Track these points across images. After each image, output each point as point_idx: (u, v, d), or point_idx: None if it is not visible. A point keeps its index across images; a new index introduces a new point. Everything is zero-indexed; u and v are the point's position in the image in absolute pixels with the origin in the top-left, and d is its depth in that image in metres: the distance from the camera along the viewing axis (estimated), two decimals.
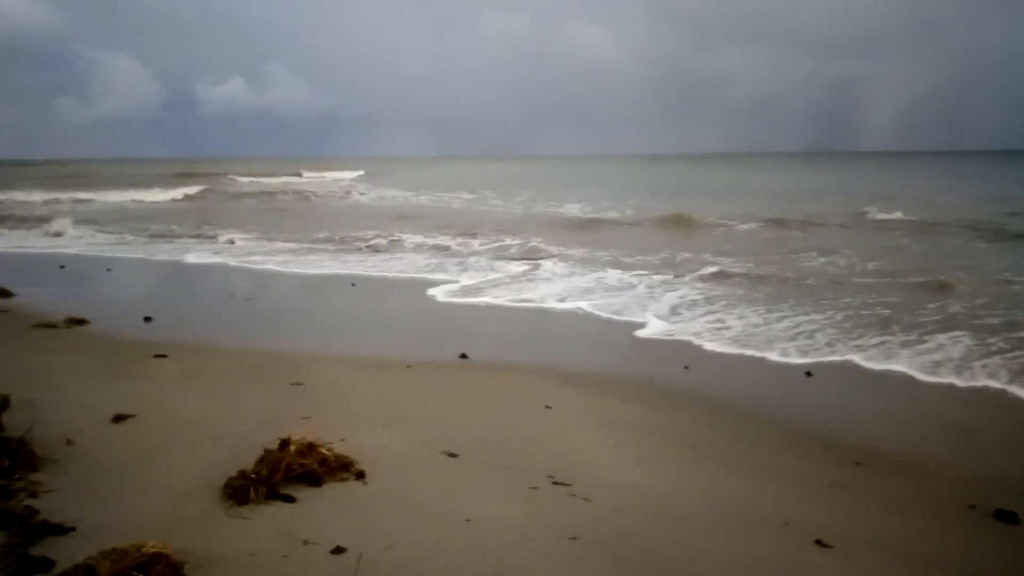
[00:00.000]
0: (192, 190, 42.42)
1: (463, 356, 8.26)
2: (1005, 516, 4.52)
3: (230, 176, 60.34)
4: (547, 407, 6.64)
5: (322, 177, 64.25)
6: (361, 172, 71.20)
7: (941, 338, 8.99)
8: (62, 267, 15.31)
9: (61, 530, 3.71)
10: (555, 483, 4.89)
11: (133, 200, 37.00)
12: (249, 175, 61.91)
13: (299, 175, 64.82)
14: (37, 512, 3.86)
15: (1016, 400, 7.08)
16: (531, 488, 4.78)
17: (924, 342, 8.89)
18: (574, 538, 4.07)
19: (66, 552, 3.46)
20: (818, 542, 4.23)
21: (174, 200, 37.69)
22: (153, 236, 21.68)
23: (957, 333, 9.20)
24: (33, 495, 4.10)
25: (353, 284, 13.49)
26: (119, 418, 5.54)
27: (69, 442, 4.95)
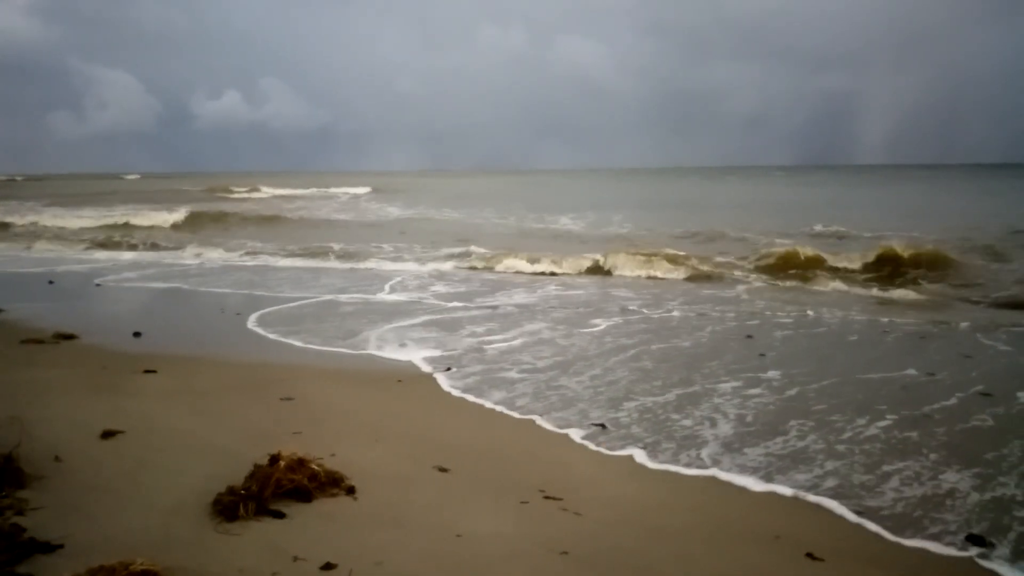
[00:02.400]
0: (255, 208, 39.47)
1: (448, 369, 8.24)
2: (975, 540, 4.47)
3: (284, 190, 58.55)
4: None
5: (329, 192, 61.68)
6: (368, 188, 68.08)
7: None
8: (51, 282, 15.24)
9: (48, 548, 3.68)
10: (546, 497, 4.89)
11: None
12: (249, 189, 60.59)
13: (257, 189, 61.12)
14: (24, 530, 3.83)
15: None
16: (522, 503, 4.78)
17: None
18: (565, 552, 4.07)
19: (53, 570, 3.44)
20: (809, 555, 4.23)
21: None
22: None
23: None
24: (20, 512, 4.07)
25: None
26: (108, 434, 5.51)
27: (57, 459, 4.91)
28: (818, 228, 23.35)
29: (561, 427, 6.39)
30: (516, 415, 6.74)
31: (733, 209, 34.54)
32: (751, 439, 6.06)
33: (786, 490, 5.14)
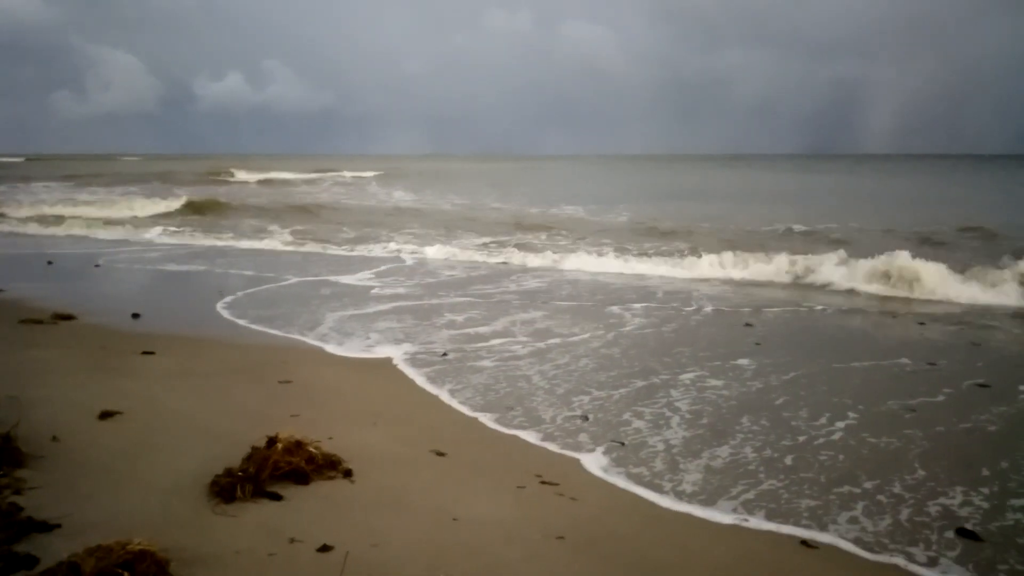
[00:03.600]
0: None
1: (444, 355, 8.23)
2: (966, 534, 4.46)
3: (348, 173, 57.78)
4: None
5: (337, 176, 60.15)
6: (374, 172, 66.15)
7: None
8: (50, 263, 15.23)
9: (46, 527, 3.69)
10: (543, 483, 4.90)
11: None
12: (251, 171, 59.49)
13: (230, 173, 58.34)
14: (22, 509, 3.84)
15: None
16: (519, 487, 4.79)
17: None
18: (561, 537, 4.09)
19: (51, 549, 3.44)
20: (804, 543, 4.25)
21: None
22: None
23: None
24: (18, 492, 4.08)
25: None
26: (105, 415, 5.52)
27: (55, 439, 4.92)
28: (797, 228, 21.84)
29: (551, 419, 6.40)
30: (497, 415, 6.70)
31: (725, 201, 34.17)
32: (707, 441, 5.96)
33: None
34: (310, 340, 8.84)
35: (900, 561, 4.10)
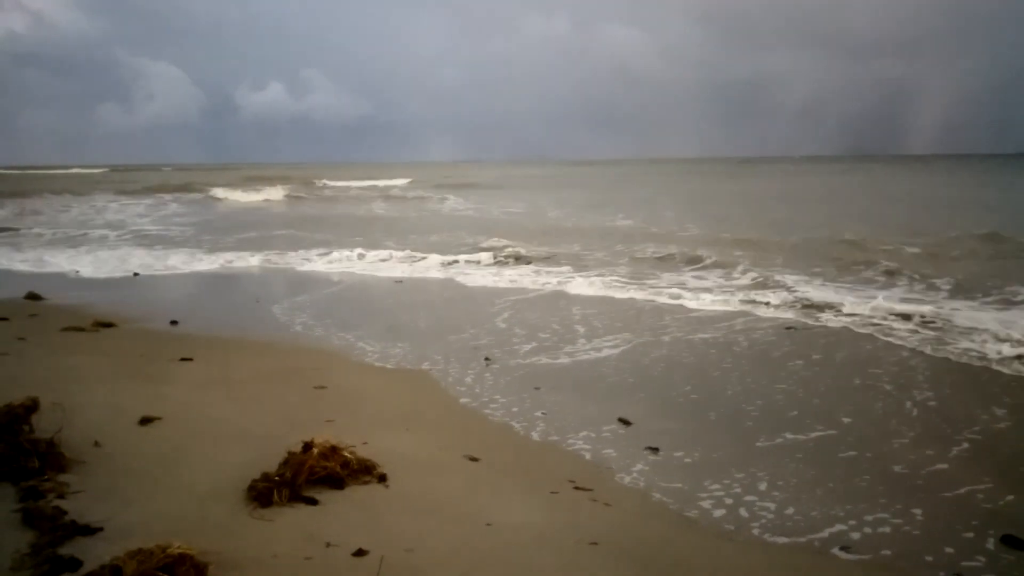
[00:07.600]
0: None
1: (487, 360, 8.26)
2: (1013, 543, 4.33)
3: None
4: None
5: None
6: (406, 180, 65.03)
7: None
8: (76, 272, 15.53)
9: (89, 530, 3.76)
10: (576, 488, 4.89)
11: None
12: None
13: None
14: (65, 513, 3.92)
15: None
16: (552, 493, 4.78)
17: None
18: (595, 543, 4.07)
19: (93, 552, 3.51)
20: (843, 549, 4.18)
21: None
22: None
23: None
24: (61, 496, 4.16)
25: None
26: (146, 420, 5.62)
27: (97, 444, 5.01)
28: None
29: (585, 421, 6.38)
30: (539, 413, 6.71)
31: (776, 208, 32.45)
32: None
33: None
34: (347, 342, 8.91)
35: None
